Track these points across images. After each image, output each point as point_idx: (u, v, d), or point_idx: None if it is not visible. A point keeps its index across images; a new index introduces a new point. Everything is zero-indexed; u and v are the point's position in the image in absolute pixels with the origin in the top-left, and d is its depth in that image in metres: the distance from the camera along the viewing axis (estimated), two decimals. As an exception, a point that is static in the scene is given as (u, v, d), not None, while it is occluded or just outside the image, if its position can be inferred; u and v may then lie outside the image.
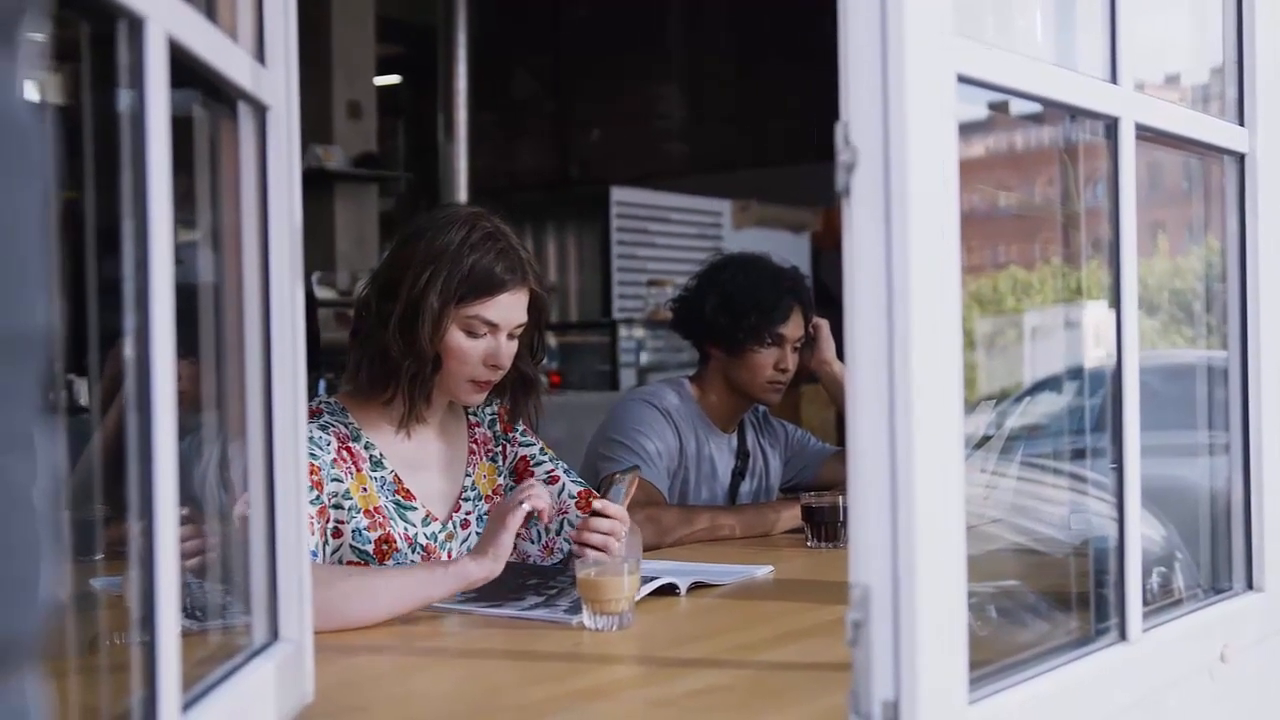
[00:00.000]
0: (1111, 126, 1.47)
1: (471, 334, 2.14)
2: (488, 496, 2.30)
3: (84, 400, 2.31)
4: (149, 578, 0.98)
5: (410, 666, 1.70)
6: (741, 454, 3.07)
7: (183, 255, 1.10)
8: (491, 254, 2.13)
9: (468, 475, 2.29)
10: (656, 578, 2.06)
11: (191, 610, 1.28)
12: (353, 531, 2.10)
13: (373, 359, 2.15)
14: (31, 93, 0.57)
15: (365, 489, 2.13)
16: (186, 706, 1.05)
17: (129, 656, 1.09)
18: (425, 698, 1.57)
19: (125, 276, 0.98)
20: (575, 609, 1.88)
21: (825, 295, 4.83)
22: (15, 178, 0.54)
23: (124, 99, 0.99)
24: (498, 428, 2.36)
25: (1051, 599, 1.68)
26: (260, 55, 1.31)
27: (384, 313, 2.13)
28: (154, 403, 0.98)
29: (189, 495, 1.12)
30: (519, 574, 2.11)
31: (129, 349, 0.97)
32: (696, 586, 2.13)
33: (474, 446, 2.32)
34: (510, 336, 2.17)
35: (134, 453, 0.98)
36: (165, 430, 0.99)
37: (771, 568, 2.32)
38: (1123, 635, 1.48)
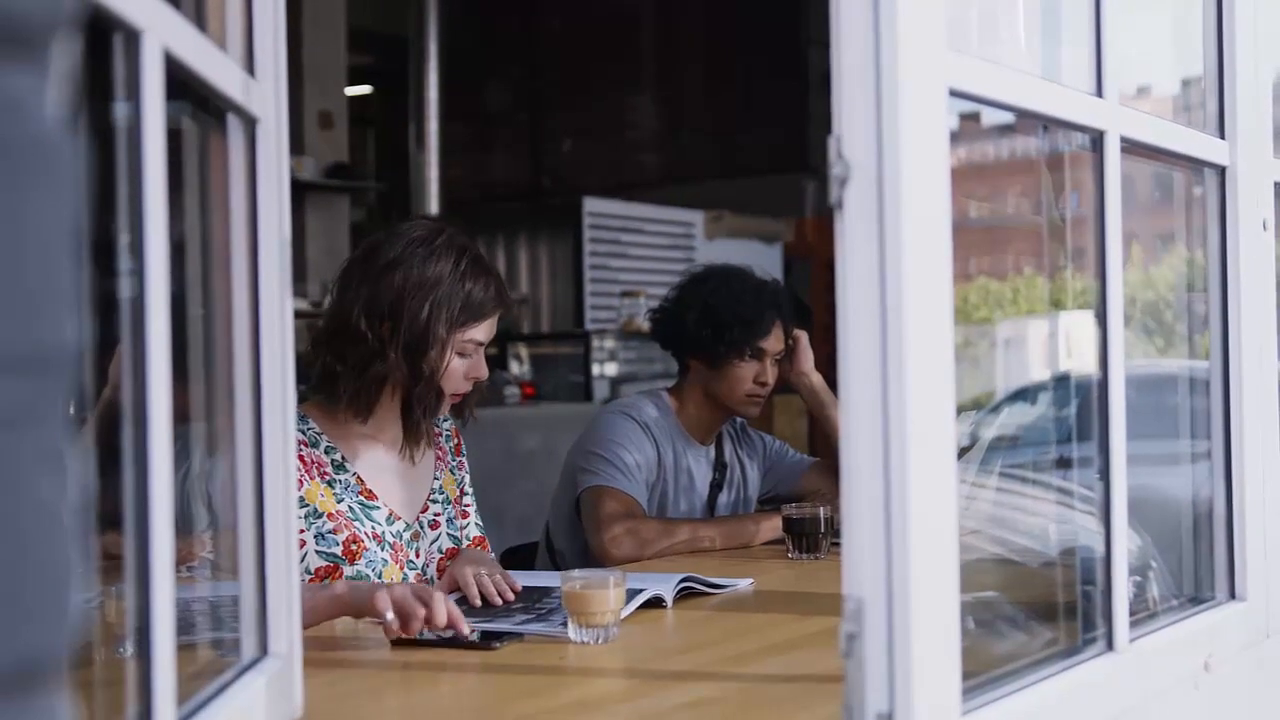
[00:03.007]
0: (1098, 140, 1.48)
1: (463, 355, 2.24)
2: (454, 501, 2.38)
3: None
4: (145, 594, 0.97)
5: (398, 682, 1.70)
6: (719, 466, 3.07)
7: (170, 267, 1.09)
8: (483, 279, 2.23)
9: (436, 478, 2.36)
10: (643, 590, 2.05)
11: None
12: (316, 536, 2.14)
13: (371, 384, 2.19)
14: (60, 109, 0.57)
15: (322, 495, 2.18)
16: (180, 723, 1.04)
17: (115, 671, 1.08)
18: (413, 712, 1.56)
19: (119, 288, 0.98)
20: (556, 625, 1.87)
21: (797, 306, 4.83)
22: (47, 195, 0.54)
23: (118, 111, 0.99)
24: (452, 444, 2.45)
25: (1036, 610, 1.69)
26: (250, 67, 1.31)
27: (379, 338, 2.17)
28: (149, 416, 0.97)
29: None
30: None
31: (125, 362, 0.97)
32: (685, 593, 2.14)
33: (439, 453, 2.40)
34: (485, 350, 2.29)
35: (129, 468, 0.97)
36: (160, 444, 0.98)
37: (752, 580, 2.32)
38: (1110, 645, 1.49)
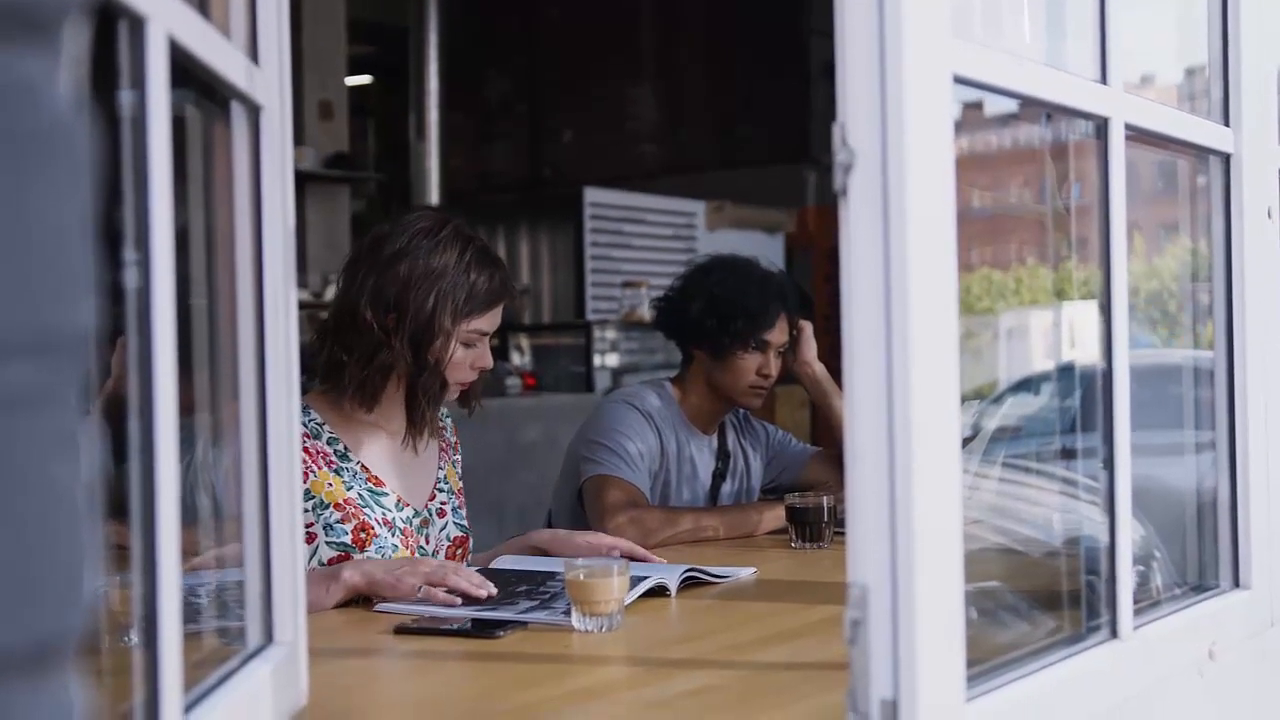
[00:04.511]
0: (1102, 127, 1.48)
1: (468, 345, 2.25)
2: (457, 492, 2.41)
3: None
4: (151, 582, 0.97)
5: (403, 670, 1.70)
6: (722, 455, 3.07)
7: (174, 257, 1.09)
8: (488, 270, 2.24)
9: (440, 469, 2.38)
10: (647, 577, 2.06)
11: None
12: (325, 528, 2.15)
13: (377, 374, 2.21)
14: (73, 93, 0.57)
15: (330, 484, 2.19)
16: (187, 709, 1.04)
17: (122, 659, 1.08)
18: (418, 701, 1.56)
19: (124, 278, 0.98)
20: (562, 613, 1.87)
21: (801, 297, 4.83)
22: (60, 179, 0.54)
23: (123, 98, 0.98)
24: (452, 440, 2.48)
25: (1039, 598, 1.69)
26: (254, 55, 1.31)
27: (384, 329, 2.18)
28: (155, 405, 0.97)
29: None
30: (506, 580, 2.11)
31: (131, 352, 0.96)
32: (689, 582, 2.14)
33: (443, 445, 2.42)
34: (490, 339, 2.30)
35: (135, 456, 0.97)
36: (166, 433, 0.98)
37: (755, 569, 2.32)
38: (1114, 633, 1.49)
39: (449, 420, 2.47)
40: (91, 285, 0.58)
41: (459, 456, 2.48)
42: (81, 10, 0.59)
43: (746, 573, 2.29)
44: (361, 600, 2.08)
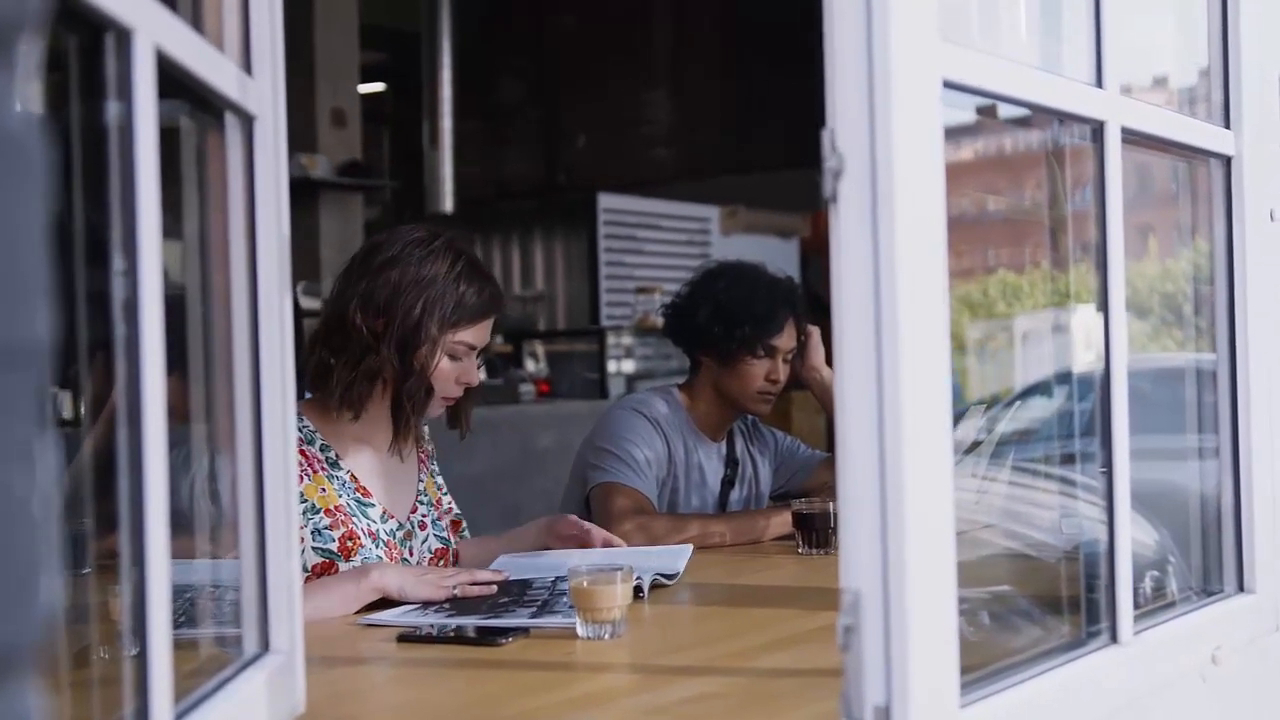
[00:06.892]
0: (1098, 130, 1.48)
1: (453, 357, 2.26)
2: (435, 504, 2.42)
3: (67, 414, 2.33)
4: (140, 590, 0.97)
5: (401, 678, 1.70)
6: (731, 462, 3.07)
7: (168, 267, 1.10)
8: (477, 283, 2.26)
9: (420, 480, 2.41)
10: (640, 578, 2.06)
11: (179, 620, 1.27)
12: (313, 533, 2.17)
13: (363, 378, 2.22)
14: (29, 104, 0.57)
15: (324, 489, 2.22)
16: (181, 717, 1.05)
17: (118, 669, 1.09)
18: (416, 708, 1.56)
19: (114, 289, 0.98)
20: (573, 614, 1.87)
21: (814, 301, 4.83)
22: (15, 190, 0.55)
23: (111, 110, 0.99)
24: (430, 448, 2.50)
25: (1043, 603, 1.68)
26: (247, 65, 1.31)
27: (373, 333, 2.20)
28: (144, 415, 0.98)
29: (177, 509, 1.12)
30: (485, 597, 2.10)
31: (119, 362, 0.97)
32: (656, 586, 2.17)
33: (422, 457, 2.44)
34: (479, 355, 2.32)
35: (124, 466, 0.97)
36: (155, 442, 0.98)
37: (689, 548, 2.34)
38: (1114, 638, 1.48)
39: (426, 427, 2.48)
40: (49, 297, 0.58)
41: (436, 465, 2.49)
42: (37, 24, 0.59)
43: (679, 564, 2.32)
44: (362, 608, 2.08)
